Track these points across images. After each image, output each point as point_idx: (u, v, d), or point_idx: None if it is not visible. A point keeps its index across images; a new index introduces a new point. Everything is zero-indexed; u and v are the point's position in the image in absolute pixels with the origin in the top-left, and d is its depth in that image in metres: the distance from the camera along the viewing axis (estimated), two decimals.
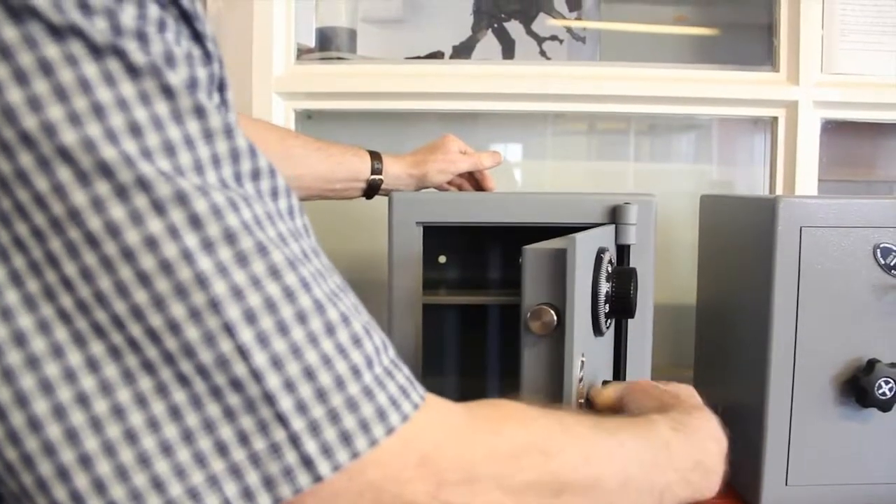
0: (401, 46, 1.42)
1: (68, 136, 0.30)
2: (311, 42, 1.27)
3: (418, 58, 1.30)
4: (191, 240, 0.31)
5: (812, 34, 1.17)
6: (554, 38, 1.38)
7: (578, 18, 1.36)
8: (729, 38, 1.34)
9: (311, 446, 0.32)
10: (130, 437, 0.31)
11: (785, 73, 1.19)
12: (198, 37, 0.35)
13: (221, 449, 0.32)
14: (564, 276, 0.55)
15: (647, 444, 0.46)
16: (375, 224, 0.92)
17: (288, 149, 0.89)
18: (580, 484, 0.40)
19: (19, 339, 0.30)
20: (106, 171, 0.30)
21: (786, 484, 0.78)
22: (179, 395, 0.31)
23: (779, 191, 1.20)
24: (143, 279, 0.31)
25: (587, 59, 1.39)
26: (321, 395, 0.33)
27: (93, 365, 0.31)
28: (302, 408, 0.32)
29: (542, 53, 1.39)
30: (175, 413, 0.31)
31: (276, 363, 0.32)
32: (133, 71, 0.31)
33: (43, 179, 0.30)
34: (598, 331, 0.65)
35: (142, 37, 0.32)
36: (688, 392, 0.59)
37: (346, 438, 0.33)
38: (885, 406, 0.75)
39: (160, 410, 0.31)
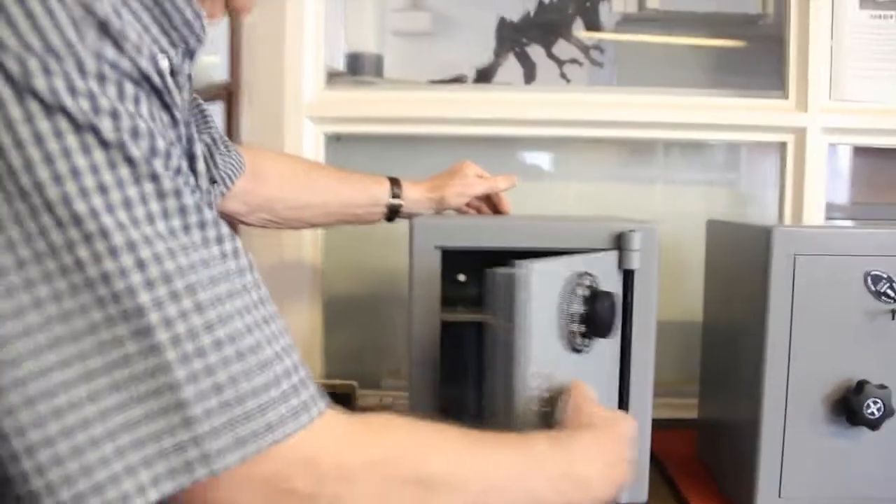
0: (429, 61, 1.48)
1: (51, 192, 0.39)
2: (340, 66, 1.34)
3: (442, 81, 1.36)
4: (136, 278, 0.40)
5: (821, 61, 1.21)
6: (574, 61, 1.44)
7: (597, 45, 1.41)
8: (742, 62, 1.38)
9: (216, 444, 0.41)
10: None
11: (794, 100, 1.23)
12: (166, 106, 0.46)
13: (138, 444, 0.40)
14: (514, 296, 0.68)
15: (518, 457, 0.55)
16: (399, 243, 0.97)
17: (314, 180, 0.98)
18: (444, 486, 0.49)
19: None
20: (77, 220, 0.39)
21: (779, 496, 0.82)
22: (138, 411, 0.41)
23: (787, 214, 1.24)
24: (101, 303, 0.40)
25: (605, 82, 1.44)
26: (233, 402, 0.42)
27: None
28: (209, 413, 0.41)
29: (563, 76, 1.44)
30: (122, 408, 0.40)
31: (195, 377, 0.41)
32: (104, 144, 0.41)
33: (32, 223, 0.39)
34: (572, 348, 0.73)
35: (115, 115, 0.41)
36: (600, 417, 0.65)
37: (240, 442, 0.42)
38: (873, 425, 0.79)
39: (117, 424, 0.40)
